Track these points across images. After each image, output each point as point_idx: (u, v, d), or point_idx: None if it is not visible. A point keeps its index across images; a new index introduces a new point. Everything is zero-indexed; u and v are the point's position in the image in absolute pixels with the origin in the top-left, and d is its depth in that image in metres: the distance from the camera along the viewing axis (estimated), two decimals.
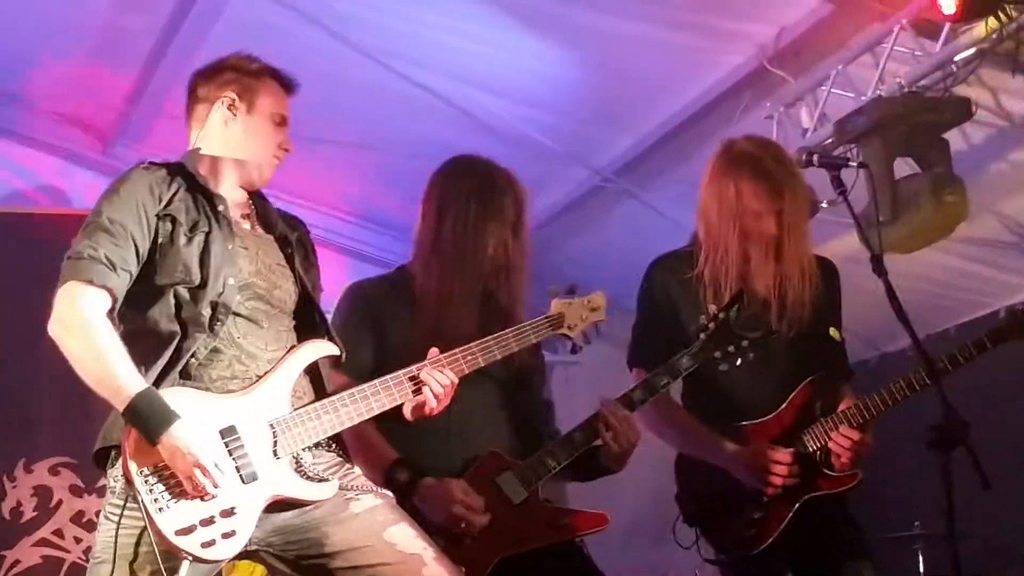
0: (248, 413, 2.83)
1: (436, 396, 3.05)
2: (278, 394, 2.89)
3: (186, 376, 2.83)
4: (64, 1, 5.26)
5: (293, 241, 3.11)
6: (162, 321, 2.84)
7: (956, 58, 4.60)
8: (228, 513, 2.72)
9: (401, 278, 3.61)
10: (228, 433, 2.78)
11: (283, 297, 3.01)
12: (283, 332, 2.99)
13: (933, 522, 5.26)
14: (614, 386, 3.57)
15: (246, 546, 2.77)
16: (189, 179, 2.98)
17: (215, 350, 2.86)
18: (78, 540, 5.38)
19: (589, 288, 3.45)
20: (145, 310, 2.86)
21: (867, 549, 3.75)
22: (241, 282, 2.92)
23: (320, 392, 2.99)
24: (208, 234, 2.91)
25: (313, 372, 3.00)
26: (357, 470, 3.01)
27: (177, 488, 2.70)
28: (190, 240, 2.90)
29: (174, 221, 2.90)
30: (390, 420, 3.14)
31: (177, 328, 2.83)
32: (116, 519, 2.77)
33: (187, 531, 2.69)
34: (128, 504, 2.74)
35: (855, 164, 3.82)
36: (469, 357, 3.13)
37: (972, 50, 4.54)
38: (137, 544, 2.75)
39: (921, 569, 5.76)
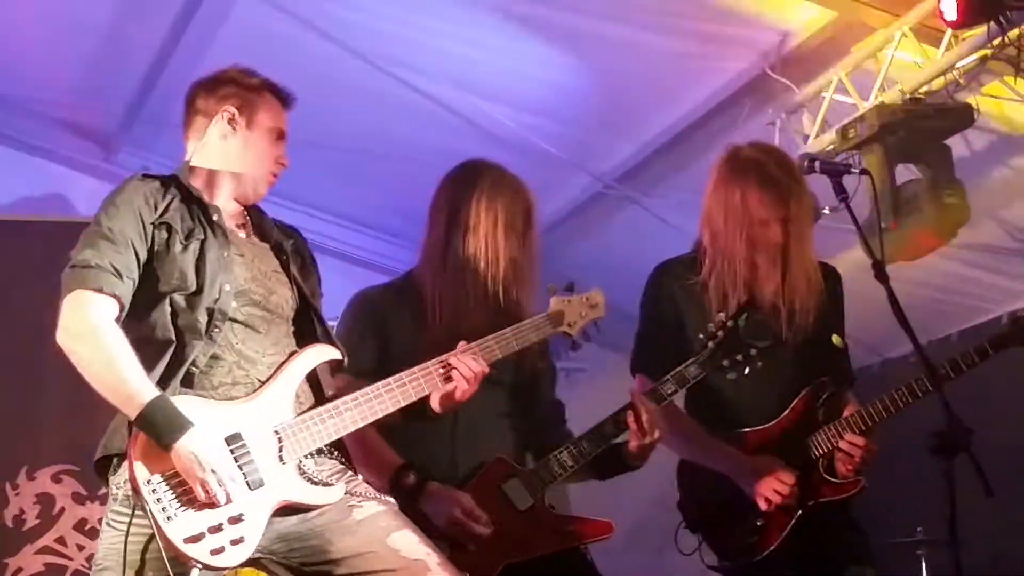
0: (252, 419, 2.83)
1: (467, 379, 3.05)
2: (281, 400, 2.89)
3: (188, 384, 2.83)
4: (67, 7, 5.27)
5: (288, 249, 3.11)
6: (158, 329, 2.84)
7: (958, 64, 4.60)
8: (236, 520, 2.72)
9: (407, 285, 3.60)
10: (233, 440, 2.78)
11: (280, 303, 3.01)
12: (282, 337, 2.99)
13: (936, 527, 5.24)
14: (617, 392, 3.57)
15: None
16: (183, 190, 2.98)
17: (215, 356, 2.86)
18: (80, 548, 5.39)
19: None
20: (142, 318, 2.86)
21: (870, 554, 3.76)
22: (237, 288, 2.92)
23: (319, 397, 2.98)
24: (204, 242, 2.92)
25: (313, 377, 2.99)
26: (359, 477, 3.01)
27: (185, 496, 2.70)
28: (186, 247, 2.90)
29: (170, 229, 2.91)
30: (392, 427, 3.14)
31: (173, 336, 2.83)
32: (120, 527, 2.77)
33: (196, 539, 2.69)
34: (136, 512, 2.74)
35: (857, 171, 3.80)
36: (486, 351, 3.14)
37: (974, 56, 4.54)
38: (144, 552, 2.75)
39: (924, 574, 5.75)
